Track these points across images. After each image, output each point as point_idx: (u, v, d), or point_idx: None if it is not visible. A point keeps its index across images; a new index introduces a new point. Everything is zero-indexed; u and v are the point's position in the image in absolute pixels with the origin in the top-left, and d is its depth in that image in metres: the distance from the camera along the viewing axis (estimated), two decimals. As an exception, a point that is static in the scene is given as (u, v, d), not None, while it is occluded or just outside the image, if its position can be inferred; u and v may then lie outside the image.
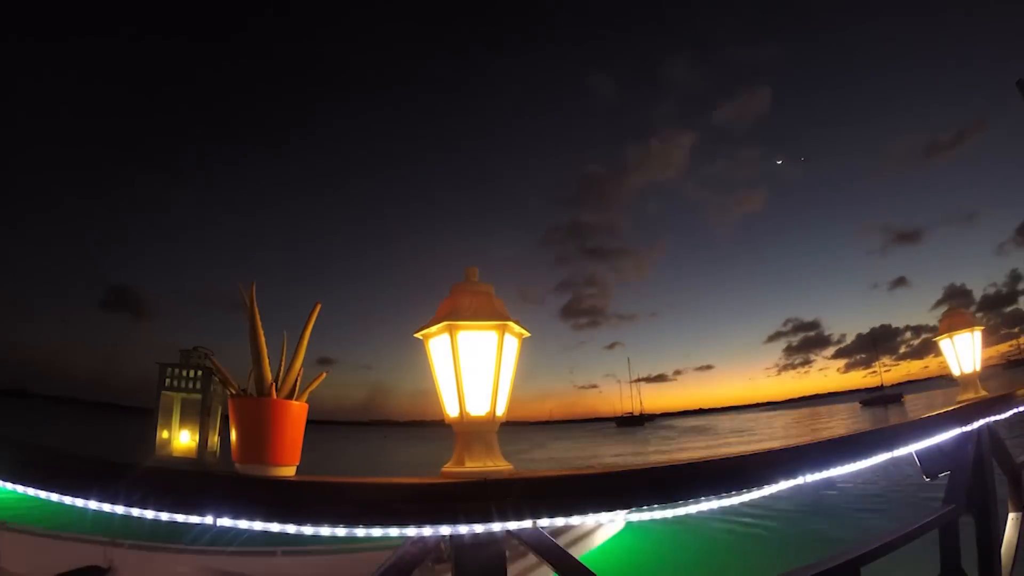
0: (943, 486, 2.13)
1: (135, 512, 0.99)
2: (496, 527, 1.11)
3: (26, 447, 1.06)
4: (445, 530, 1.10)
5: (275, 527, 1.03)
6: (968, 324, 2.48)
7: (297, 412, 1.13)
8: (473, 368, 1.24)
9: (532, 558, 1.27)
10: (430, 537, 1.12)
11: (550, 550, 1.23)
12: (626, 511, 1.38)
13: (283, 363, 1.14)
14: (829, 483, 1.55)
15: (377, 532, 1.08)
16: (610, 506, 1.23)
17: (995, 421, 2.22)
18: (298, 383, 1.15)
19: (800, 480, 1.45)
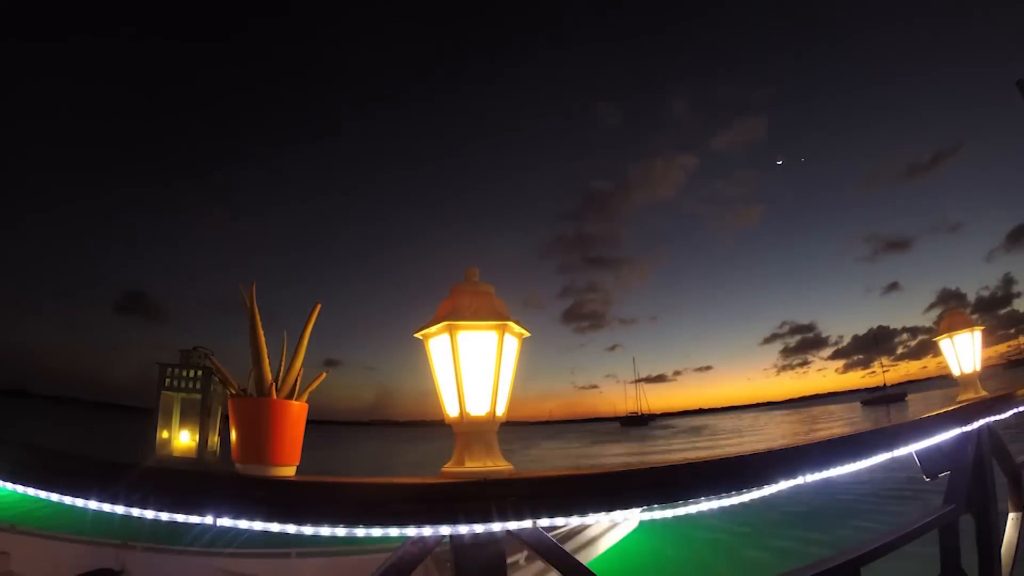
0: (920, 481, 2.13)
1: (135, 512, 0.99)
2: (496, 527, 1.11)
3: (26, 447, 1.06)
4: (445, 530, 1.10)
5: (275, 527, 1.03)
6: (968, 324, 2.48)
7: (297, 412, 1.13)
8: (473, 368, 1.24)
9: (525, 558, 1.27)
10: (430, 537, 1.12)
11: (550, 550, 1.24)
12: (626, 511, 1.38)
13: (283, 363, 1.14)
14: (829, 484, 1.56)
15: (377, 532, 1.08)
16: (610, 506, 1.23)
17: (995, 421, 2.22)
18: (298, 383, 1.15)
19: (800, 480, 1.45)
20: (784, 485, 1.47)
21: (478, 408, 1.24)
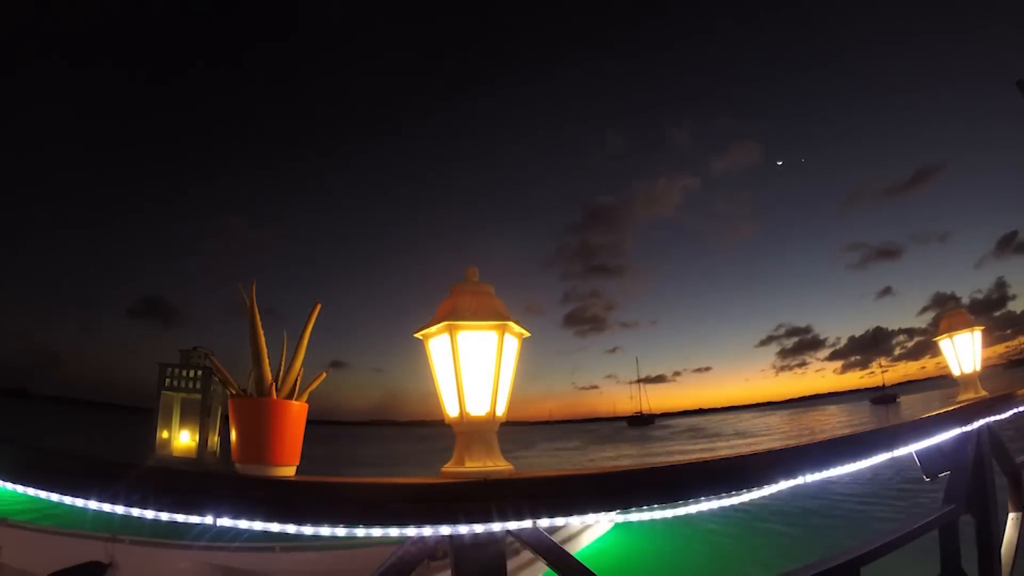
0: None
1: (135, 512, 0.99)
2: (496, 527, 1.11)
3: (26, 447, 1.06)
4: (445, 530, 1.10)
5: (275, 527, 1.03)
6: (968, 324, 2.48)
7: (297, 412, 1.13)
8: (473, 368, 1.24)
9: (525, 556, 1.27)
10: (430, 537, 1.12)
11: (550, 550, 1.23)
12: (626, 511, 1.38)
13: (283, 363, 1.14)
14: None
15: (377, 532, 1.08)
16: (610, 506, 1.23)
17: (995, 421, 2.22)
18: (298, 383, 1.15)
19: (800, 480, 1.45)
20: (784, 485, 1.47)
21: (478, 408, 1.24)
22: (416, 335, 1.31)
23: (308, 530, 1.05)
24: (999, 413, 2.23)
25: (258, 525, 1.02)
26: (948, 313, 2.56)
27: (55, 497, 1.02)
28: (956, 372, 2.51)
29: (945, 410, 2.10)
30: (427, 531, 1.10)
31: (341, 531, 1.06)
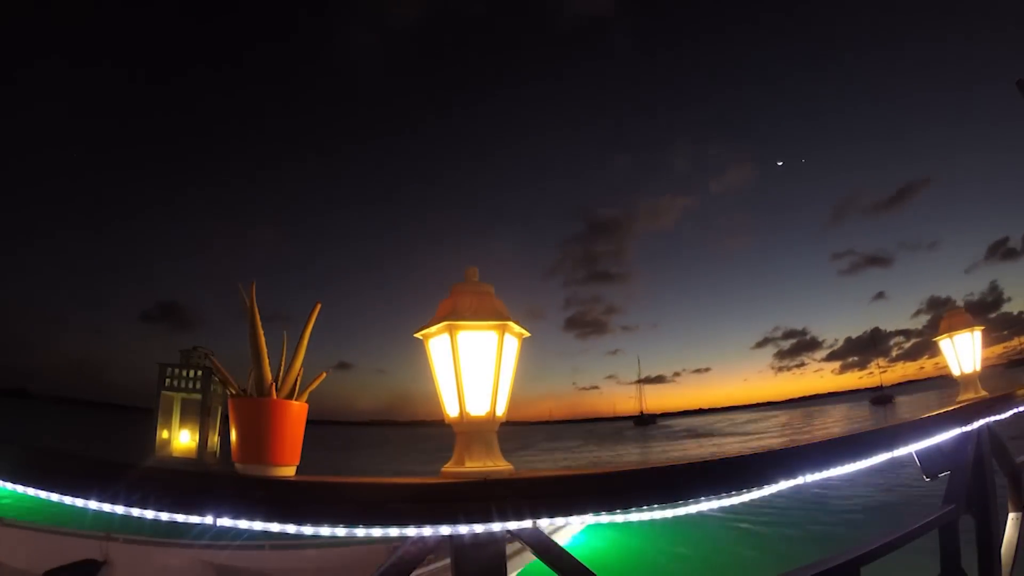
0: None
1: (135, 512, 0.99)
2: (496, 527, 1.11)
3: (26, 447, 1.06)
4: (445, 530, 1.10)
5: (275, 527, 1.03)
6: (968, 324, 2.48)
7: (297, 412, 1.13)
8: (473, 368, 1.24)
9: (509, 548, 1.27)
10: (430, 537, 1.12)
11: (550, 550, 1.23)
12: (626, 511, 1.38)
13: (283, 363, 1.14)
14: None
15: (377, 532, 1.08)
16: (610, 506, 1.23)
17: (995, 421, 2.22)
18: (298, 383, 1.15)
19: (800, 480, 1.45)
20: (784, 485, 1.47)
21: (478, 408, 1.24)
22: (416, 335, 1.31)
23: (308, 530, 1.05)
24: (999, 413, 2.23)
25: (258, 525, 1.02)
26: (948, 313, 2.56)
27: (55, 497, 1.02)
28: (956, 372, 2.51)
29: (945, 410, 2.10)
30: (427, 531, 1.10)
31: (341, 531, 1.06)
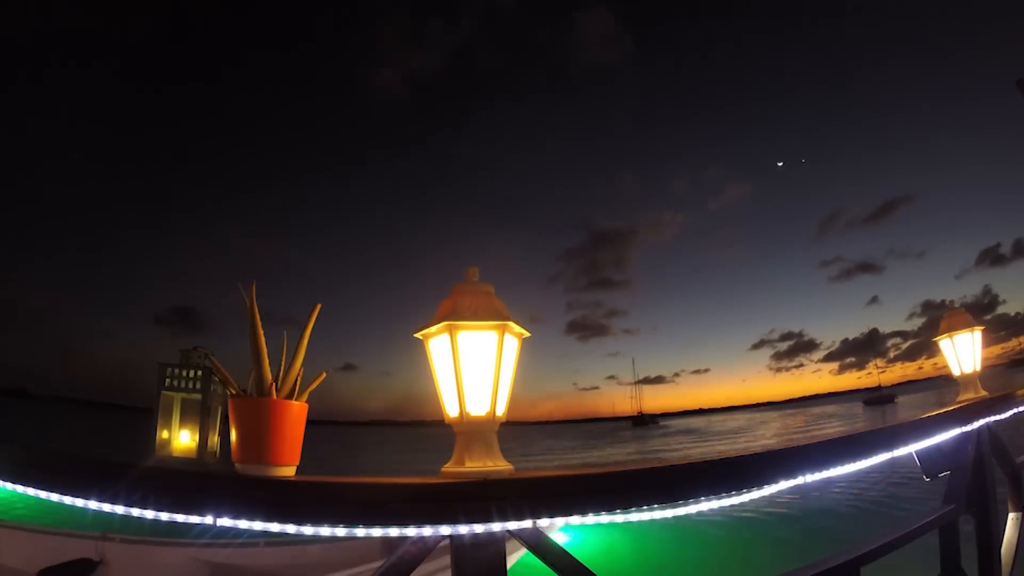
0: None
1: (135, 512, 0.99)
2: (496, 527, 1.11)
3: (26, 447, 1.06)
4: (445, 530, 1.10)
5: (275, 527, 1.03)
6: (968, 324, 2.48)
7: (297, 412, 1.13)
8: (473, 368, 1.24)
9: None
10: (430, 537, 1.12)
11: (550, 550, 1.23)
12: (626, 511, 1.37)
13: (283, 363, 1.14)
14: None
15: (377, 532, 1.08)
16: (610, 506, 1.23)
17: (995, 421, 2.22)
18: (298, 383, 1.15)
19: (800, 480, 1.45)
20: (784, 485, 1.47)
21: (478, 408, 1.24)
22: (416, 335, 1.31)
23: (308, 530, 1.05)
24: (999, 413, 2.23)
25: (258, 525, 1.02)
26: (948, 313, 2.56)
27: (55, 497, 1.02)
28: (956, 372, 2.51)
29: (945, 410, 2.10)
30: (427, 531, 1.10)
31: (341, 531, 1.06)
